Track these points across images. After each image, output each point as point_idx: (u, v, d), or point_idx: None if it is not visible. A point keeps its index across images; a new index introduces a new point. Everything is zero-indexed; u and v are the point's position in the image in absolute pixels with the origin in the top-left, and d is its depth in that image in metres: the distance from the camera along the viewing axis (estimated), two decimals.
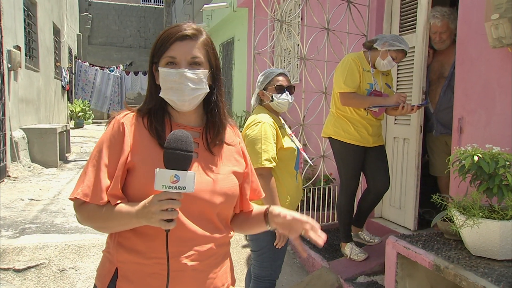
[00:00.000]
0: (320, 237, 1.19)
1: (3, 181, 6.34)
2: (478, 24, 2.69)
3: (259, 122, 2.30)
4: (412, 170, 3.58)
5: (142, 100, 1.32)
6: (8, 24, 6.93)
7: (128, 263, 1.19)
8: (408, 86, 3.68)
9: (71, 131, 10.95)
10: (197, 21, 12.38)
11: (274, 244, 2.28)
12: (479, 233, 1.96)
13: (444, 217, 2.17)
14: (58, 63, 12.27)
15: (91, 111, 17.44)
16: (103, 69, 15.39)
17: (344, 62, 3.18)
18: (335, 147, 3.31)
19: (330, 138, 3.33)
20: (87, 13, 21.07)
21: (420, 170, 3.55)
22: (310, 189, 4.30)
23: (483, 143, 2.22)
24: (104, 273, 1.23)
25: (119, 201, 1.17)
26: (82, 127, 16.33)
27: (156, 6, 23.87)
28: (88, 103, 16.01)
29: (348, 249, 3.36)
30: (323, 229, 4.14)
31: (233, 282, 1.38)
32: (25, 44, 8.17)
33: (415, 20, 3.60)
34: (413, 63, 3.58)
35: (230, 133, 1.37)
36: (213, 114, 1.31)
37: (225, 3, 9.13)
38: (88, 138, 13.06)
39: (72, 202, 1.21)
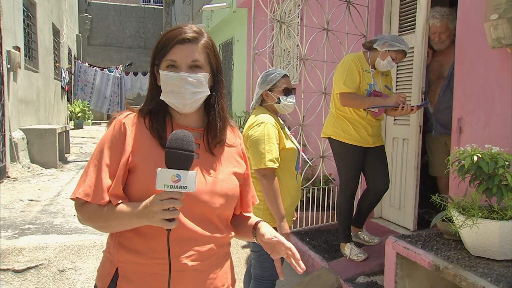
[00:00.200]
0: (298, 266, 1.21)
1: (2, 181, 6.34)
2: (477, 25, 2.69)
3: (261, 123, 2.29)
4: (411, 170, 3.58)
5: (142, 100, 1.33)
6: (8, 24, 6.93)
7: (128, 263, 1.20)
8: (408, 87, 3.68)
9: (70, 131, 10.95)
10: (197, 21, 12.39)
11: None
12: (479, 233, 1.96)
13: (444, 217, 2.17)
14: (58, 64, 12.27)
15: (90, 112, 17.44)
16: (102, 70, 15.39)
17: (344, 63, 3.18)
18: (335, 147, 3.31)
19: (329, 138, 3.33)
20: (86, 14, 21.06)
21: (419, 170, 3.55)
22: (309, 189, 4.30)
23: (483, 143, 2.22)
24: (105, 274, 1.23)
25: (120, 201, 1.17)
26: (81, 127, 16.33)
27: (155, 6, 23.88)
28: (88, 104, 16.02)
29: (348, 249, 3.36)
30: (323, 229, 4.10)
31: (234, 283, 1.38)
32: (24, 44, 8.16)
33: (414, 20, 3.61)
34: (412, 64, 3.58)
35: (231, 134, 1.37)
36: (214, 116, 1.31)
37: (225, 4, 9.14)
38: (87, 138, 13.06)
39: (72, 203, 1.21)
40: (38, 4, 9.35)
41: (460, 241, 2.19)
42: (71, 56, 15.28)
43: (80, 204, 1.20)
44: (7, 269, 3.40)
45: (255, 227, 1.31)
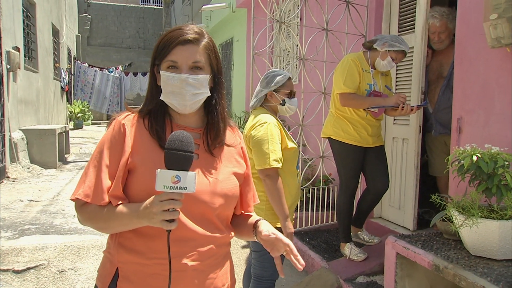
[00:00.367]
0: (297, 262, 1.21)
1: (2, 182, 6.34)
2: (477, 24, 2.69)
3: (264, 123, 2.29)
4: (411, 170, 3.59)
5: (142, 100, 1.33)
6: (7, 25, 6.93)
7: (128, 264, 1.20)
8: (407, 86, 3.68)
9: (70, 132, 10.94)
10: (196, 21, 12.38)
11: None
12: (478, 233, 1.96)
13: (443, 217, 2.17)
14: (57, 64, 12.27)
15: (90, 112, 17.44)
16: (102, 70, 15.37)
17: (344, 63, 3.18)
18: (335, 147, 3.31)
19: (329, 138, 3.33)
20: (86, 14, 21.06)
21: (419, 170, 3.55)
22: (309, 189, 4.30)
23: (482, 143, 2.23)
24: (105, 274, 1.23)
25: (120, 202, 1.17)
26: (81, 128, 16.33)
27: (155, 6, 23.87)
28: (87, 104, 16.00)
29: (348, 249, 3.36)
30: (323, 229, 4.10)
31: (234, 283, 1.38)
32: (24, 45, 8.16)
33: (414, 20, 3.61)
34: (412, 63, 3.59)
35: (230, 134, 1.37)
36: (214, 116, 1.31)
37: (224, 4, 9.14)
38: (87, 139, 13.06)
39: (72, 203, 1.22)
40: (37, 4, 9.35)
41: (460, 241, 2.19)
42: (71, 56, 15.28)
43: (80, 205, 1.20)
44: (7, 270, 3.40)
45: (255, 225, 1.31)
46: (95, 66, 15.51)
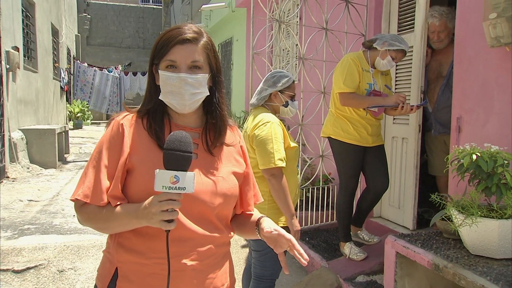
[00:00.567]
0: (301, 257, 1.21)
1: (2, 182, 6.34)
2: (476, 23, 2.69)
3: (267, 122, 2.29)
4: (411, 169, 3.59)
5: (141, 100, 1.33)
6: (7, 25, 6.92)
7: (128, 263, 1.20)
8: (407, 86, 3.68)
9: (70, 131, 10.94)
10: (196, 21, 12.38)
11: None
12: (478, 232, 1.96)
13: (443, 216, 2.17)
14: (57, 64, 12.26)
15: (90, 112, 17.42)
16: (101, 70, 15.35)
17: (344, 62, 3.18)
18: (335, 147, 3.31)
19: (329, 138, 3.33)
20: (85, 14, 21.04)
21: (419, 170, 3.55)
22: (309, 189, 4.30)
23: (482, 142, 2.22)
24: (104, 273, 1.23)
25: (119, 202, 1.17)
26: (81, 127, 16.31)
27: (154, 6, 23.84)
28: (87, 104, 15.97)
29: (347, 248, 3.36)
30: (322, 229, 4.11)
31: (233, 282, 1.38)
32: (23, 45, 8.16)
33: (413, 19, 3.61)
34: (411, 63, 3.59)
35: (230, 134, 1.37)
36: (213, 116, 1.31)
37: (224, 3, 9.13)
38: (87, 138, 13.06)
39: (71, 203, 1.22)
40: (37, 4, 9.34)
41: (460, 240, 2.19)
42: (70, 56, 15.27)
43: (80, 205, 1.20)
44: (7, 270, 3.40)
45: (257, 223, 1.31)
46: (94, 66, 15.49)
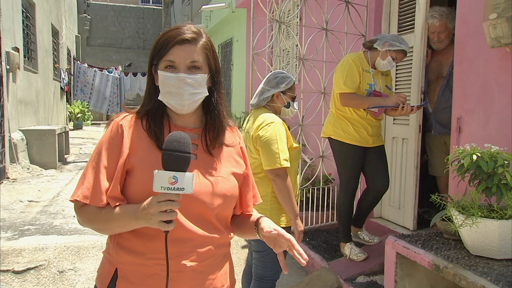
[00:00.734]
0: (300, 257, 1.21)
1: (2, 182, 6.34)
2: (476, 24, 2.69)
3: (271, 122, 2.29)
4: (411, 170, 3.58)
5: (141, 101, 1.32)
6: (7, 25, 6.93)
7: (127, 264, 1.20)
8: (407, 86, 3.68)
9: (70, 132, 10.94)
10: (196, 21, 12.38)
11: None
12: (478, 232, 1.96)
13: (443, 217, 2.17)
14: (57, 65, 12.26)
15: (90, 112, 17.42)
16: (102, 70, 15.36)
17: (344, 63, 3.18)
18: (335, 147, 3.31)
19: (329, 138, 3.33)
20: (85, 15, 21.04)
21: (419, 170, 3.55)
22: (309, 189, 4.30)
23: (482, 143, 2.23)
24: (104, 274, 1.23)
25: (118, 203, 1.17)
26: (81, 128, 16.32)
27: (154, 7, 23.85)
28: (87, 104, 15.98)
29: (348, 249, 3.36)
30: (323, 229, 4.09)
31: (233, 283, 1.38)
32: (23, 45, 8.16)
33: (414, 20, 3.61)
34: (411, 63, 3.59)
35: (229, 134, 1.37)
36: (212, 116, 1.31)
37: (224, 4, 9.13)
38: (87, 139, 13.06)
39: (72, 204, 1.22)
40: (37, 5, 9.34)
41: (460, 241, 2.19)
42: (70, 56, 15.27)
43: (79, 206, 1.20)
44: (7, 270, 3.40)
45: (256, 223, 1.31)
46: (94, 67, 15.50)
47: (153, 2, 25.36)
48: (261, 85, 2.49)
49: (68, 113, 14.98)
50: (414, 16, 3.60)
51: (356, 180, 3.34)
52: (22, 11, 8.14)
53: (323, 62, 4.13)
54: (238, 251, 4.04)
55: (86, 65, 15.36)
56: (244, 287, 2.70)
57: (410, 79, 3.61)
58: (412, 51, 3.54)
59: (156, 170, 1.04)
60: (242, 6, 8.41)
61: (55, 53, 12.11)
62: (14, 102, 7.39)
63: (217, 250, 1.26)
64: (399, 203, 3.80)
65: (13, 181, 6.52)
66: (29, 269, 3.44)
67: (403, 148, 3.75)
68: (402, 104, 3.00)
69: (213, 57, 1.28)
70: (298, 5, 5.30)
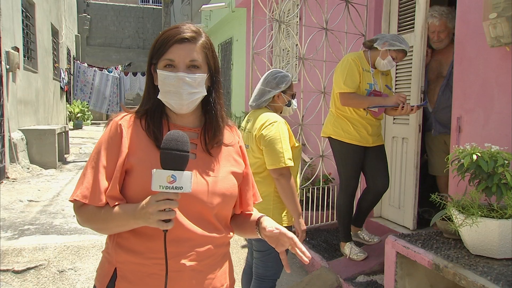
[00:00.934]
0: (303, 255, 1.20)
1: (2, 182, 6.34)
2: (476, 23, 2.69)
3: (274, 122, 2.29)
4: (411, 169, 3.58)
5: (141, 100, 1.32)
6: (7, 25, 6.93)
7: (127, 264, 1.20)
8: (407, 86, 3.68)
9: (70, 132, 10.94)
10: (196, 21, 12.38)
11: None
12: (478, 232, 1.96)
13: (443, 216, 2.17)
14: (57, 64, 12.25)
15: (89, 112, 17.43)
16: (101, 70, 15.35)
17: (344, 62, 3.18)
18: (335, 147, 3.31)
19: (329, 138, 3.33)
20: (85, 14, 21.04)
21: (419, 170, 3.55)
22: (309, 189, 4.30)
23: (482, 142, 2.22)
24: (103, 274, 1.23)
25: (117, 203, 1.17)
26: (81, 128, 16.32)
27: (154, 6, 23.84)
28: (87, 104, 15.98)
29: (348, 248, 3.36)
30: (323, 229, 4.09)
31: (233, 283, 1.38)
32: (23, 45, 8.15)
33: (413, 19, 3.61)
34: (411, 63, 3.58)
35: (228, 134, 1.36)
36: (211, 116, 1.30)
37: (224, 4, 9.13)
38: (87, 139, 13.06)
39: (71, 204, 1.22)
40: (37, 4, 9.34)
41: (460, 240, 2.19)
42: (70, 56, 15.27)
43: (79, 206, 1.20)
44: (7, 270, 3.40)
45: (258, 222, 1.30)
46: (94, 66, 15.50)
47: (153, 2, 25.34)
48: (259, 86, 2.47)
49: (68, 112, 14.98)
50: (414, 15, 3.60)
51: (356, 179, 3.34)
52: (22, 11, 8.13)
53: (323, 61, 4.13)
54: (238, 251, 4.04)
55: (86, 64, 15.36)
56: (244, 286, 2.70)
57: (410, 79, 3.61)
58: (412, 51, 3.54)
59: (154, 169, 1.03)
60: (242, 5, 8.40)
61: (55, 53, 12.10)
62: (14, 102, 7.39)
63: (217, 249, 1.25)
64: (399, 203, 3.80)
65: (13, 181, 6.52)
66: (29, 268, 3.44)
67: (403, 148, 3.75)
68: (402, 103, 3.00)
69: (212, 57, 1.27)
70: (298, 5, 5.30)
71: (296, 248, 1.21)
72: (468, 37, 2.80)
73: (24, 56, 8.34)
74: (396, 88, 3.79)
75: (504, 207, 1.98)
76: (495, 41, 2.44)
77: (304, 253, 1.20)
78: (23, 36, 8.15)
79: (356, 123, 3.18)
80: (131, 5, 23.56)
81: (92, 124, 18.09)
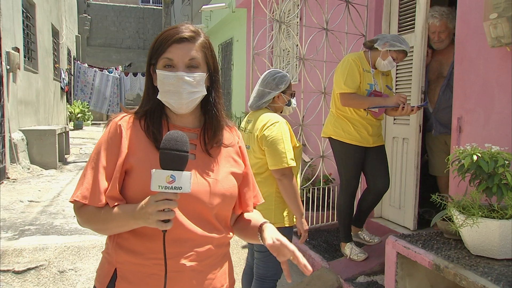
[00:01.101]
0: (305, 269, 1.17)
1: (2, 182, 6.34)
2: (477, 24, 2.69)
3: (276, 122, 2.29)
4: (411, 169, 3.58)
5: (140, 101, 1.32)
6: (7, 25, 6.93)
7: (127, 264, 1.19)
8: (407, 86, 3.68)
9: (70, 132, 10.94)
10: (196, 22, 12.39)
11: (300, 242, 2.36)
12: (479, 232, 1.96)
13: (444, 217, 2.17)
14: (57, 65, 12.26)
15: (90, 112, 17.44)
16: (102, 70, 15.37)
17: (344, 63, 3.18)
18: (335, 147, 3.31)
19: (330, 138, 3.33)
20: (85, 15, 21.05)
21: (419, 170, 3.55)
22: (309, 189, 4.30)
23: (482, 142, 2.22)
24: (104, 274, 1.23)
25: (117, 203, 1.17)
26: (81, 128, 16.32)
27: (154, 7, 23.86)
28: (87, 104, 16.00)
29: (348, 249, 3.36)
30: (323, 229, 4.09)
31: (233, 283, 1.38)
32: (23, 45, 8.16)
33: (414, 20, 3.61)
34: (412, 63, 3.58)
35: (228, 134, 1.36)
36: (211, 116, 1.30)
37: (224, 4, 9.13)
38: (87, 139, 13.06)
39: (72, 204, 1.22)
40: (37, 5, 9.34)
41: (460, 240, 2.19)
42: (71, 57, 15.27)
43: (79, 207, 1.20)
44: (7, 270, 3.40)
45: (260, 229, 1.29)
46: (95, 67, 15.52)
47: (153, 2, 25.36)
48: (257, 87, 2.46)
49: (68, 113, 14.98)
50: (415, 16, 3.59)
51: (357, 180, 3.34)
52: (22, 11, 8.14)
53: (324, 62, 4.13)
54: (238, 251, 4.04)
55: (86, 65, 15.37)
56: (244, 287, 2.70)
57: (411, 79, 3.61)
58: (412, 51, 3.54)
59: (153, 169, 1.03)
60: (242, 6, 8.41)
61: (55, 53, 12.11)
62: (14, 102, 7.39)
63: (217, 249, 1.25)
64: (399, 203, 3.80)
65: (14, 181, 6.52)
66: (29, 269, 3.44)
67: (403, 148, 3.75)
68: (403, 104, 3.00)
69: (212, 56, 1.27)
70: (298, 5, 5.30)
71: (297, 262, 1.18)
72: (469, 38, 2.80)
73: (25, 57, 8.34)
74: (396, 89, 3.79)
75: (505, 207, 1.98)
76: (496, 41, 2.44)
77: (306, 266, 1.17)
78: (23, 37, 8.16)
79: (356, 123, 3.18)
80: (131, 5, 23.58)
81: (92, 124, 18.09)
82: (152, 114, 1.26)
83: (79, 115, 16.41)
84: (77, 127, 16.14)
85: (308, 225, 4.16)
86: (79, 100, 15.76)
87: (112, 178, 1.17)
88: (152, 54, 1.24)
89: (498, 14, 2.35)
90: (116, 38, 22.77)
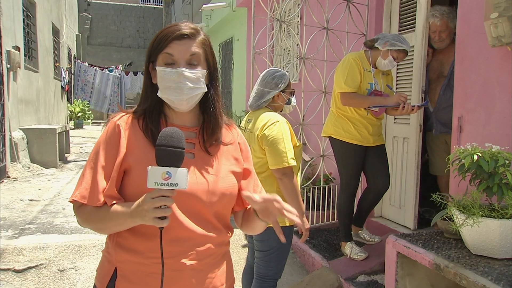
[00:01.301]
0: (291, 215, 1.13)
1: (2, 181, 6.34)
2: (478, 23, 2.69)
3: (276, 122, 2.29)
4: (412, 169, 3.58)
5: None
6: (7, 24, 6.93)
7: (127, 263, 1.20)
8: (408, 85, 3.68)
9: (70, 131, 10.95)
10: (196, 21, 12.38)
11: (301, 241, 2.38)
12: (479, 232, 1.96)
13: (444, 216, 2.17)
14: (58, 64, 12.26)
15: (90, 112, 17.43)
16: (102, 69, 15.38)
17: (345, 62, 3.17)
18: (336, 146, 3.31)
19: (330, 137, 3.33)
20: (86, 14, 21.05)
21: (419, 169, 3.55)
22: (310, 188, 4.30)
23: (483, 142, 2.22)
24: (104, 273, 1.23)
25: (114, 202, 1.17)
26: (81, 127, 16.33)
27: (155, 6, 23.86)
28: (88, 104, 16.02)
29: (348, 248, 3.36)
30: (323, 228, 4.10)
31: (233, 282, 1.38)
32: (24, 44, 8.16)
33: (414, 19, 3.60)
34: (412, 63, 3.58)
35: (227, 133, 1.36)
36: (209, 114, 1.30)
37: (224, 3, 9.12)
38: (87, 138, 13.06)
39: (72, 204, 1.22)
40: (37, 3, 9.34)
41: (461, 240, 2.19)
42: (71, 55, 15.28)
43: (78, 207, 1.20)
44: (8, 269, 3.40)
45: (255, 210, 1.25)
46: (95, 66, 15.52)
47: (153, 1, 25.36)
48: (257, 87, 2.46)
49: (68, 112, 14.99)
50: (415, 15, 3.59)
51: (357, 179, 3.34)
52: (23, 10, 8.14)
53: (324, 61, 4.13)
54: (239, 250, 4.04)
55: (86, 64, 15.38)
56: (244, 286, 2.70)
57: (411, 79, 3.60)
58: (413, 51, 3.54)
59: (149, 166, 1.03)
60: (242, 5, 8.40)
61: (56, 52, 12.11)
62: (14, 101, 7.40)
63: (216, 248, 1.25)
64: (399, 203, 3.80)
65: (14, 180, 6.52)
66: (29, 268, 3.45)
67: (403, 147, 3.75)
68: (403, 103, 3.00)
69: (211, 54, 1.28)
70: (299, 4, 5.30)
71: (284, 211, 1.15)
72: (469, 37, 2.80)
73: (25, 56, 8.34)
74: (397, 88, 3.78)
75: (505, 207, 1.98)
76: (496, 40, 2.44)
77: (291, 212, 1.14)
78: (24, 36, 8.15)
79: (357, 122, 3.18)
80: (132, 4, 23.58)
81: (92, 123, 18.09)
82: (150, 113, 1.26)
83: (79, 114, 16.41)
84: (78, 126, 16.14)
85: (308, 224, 4.19)
86: (79, 99, 15.77)
87: (111, 177, 1.17)
88: (151, 51, 1.24)
89: (498, 14, 2.35)
90: (116, 37, 22.77)
